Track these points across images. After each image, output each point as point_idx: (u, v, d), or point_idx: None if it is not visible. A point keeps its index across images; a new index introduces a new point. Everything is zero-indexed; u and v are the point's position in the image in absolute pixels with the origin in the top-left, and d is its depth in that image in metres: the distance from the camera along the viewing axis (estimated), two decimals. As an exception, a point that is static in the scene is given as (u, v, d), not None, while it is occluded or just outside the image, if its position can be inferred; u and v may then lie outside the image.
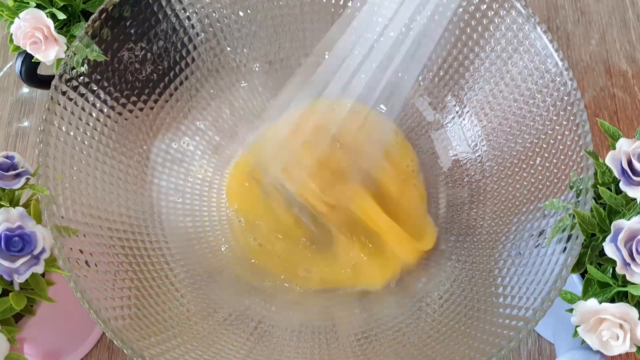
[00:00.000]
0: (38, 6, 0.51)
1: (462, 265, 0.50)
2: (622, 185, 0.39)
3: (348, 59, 0.49)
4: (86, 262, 0.42)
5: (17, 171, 0.41)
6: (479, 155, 0.54)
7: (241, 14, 0.55)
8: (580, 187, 0.42)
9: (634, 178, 0.39)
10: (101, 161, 0.48)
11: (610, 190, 0.41)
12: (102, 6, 0.48)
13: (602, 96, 0.63)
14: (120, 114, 0.51)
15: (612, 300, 0.40)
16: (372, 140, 0.56)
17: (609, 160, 0.39)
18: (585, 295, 0.40)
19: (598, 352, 0.39)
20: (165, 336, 0.43)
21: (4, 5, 0.52)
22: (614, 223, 0.39)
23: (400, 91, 0.54)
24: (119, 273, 0.45)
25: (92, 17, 0.47)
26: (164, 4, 0.51)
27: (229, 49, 0.56)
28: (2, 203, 0.41)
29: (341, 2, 0.56)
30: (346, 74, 0.49)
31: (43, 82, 0.58)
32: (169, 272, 0.49)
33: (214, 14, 0.54)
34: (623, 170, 0.39)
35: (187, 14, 0.53)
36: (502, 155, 0.52)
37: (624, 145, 0.40)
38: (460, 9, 0.52)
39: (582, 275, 0.43)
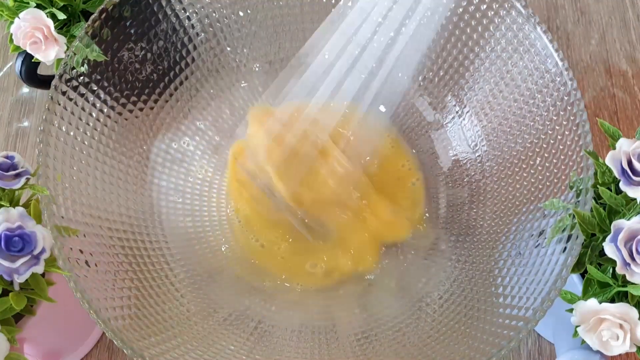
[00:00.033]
0: (38, 6, 0.51)
1: (462, 265, 0.50)
2: (622, 185, 0.39)
3: (340, 60, 0.49)
4: (86, 262, 0.42)
5: (17, 171, 0.41)
6: (479, 155, 0.54)
7: (241, 14, 0.55)
8: (580, 187, 0.42)
9: (634, 178, 0.39)
10: (101, 161, 0.48)
11: (610, 190, 0.41)
12: (102, 6, 0.48)
13: (602, 96, 0.63)
14: (120, 114, 0.51)
15: (612, 300, 0.40)
16: (362, 141, 0.56)
17: (609, 160, 0.39)
18: (585, 295, 0.40)
19: (598, 352, 0.39)
20: (165, 336, 0.43)
21: (4, 5, 0.52)
22: (614, 223, 0.39)
23: (395, 90, 0.53)
24: (119, 273, 0.45)
25: (92, 17, 0.47)
26: (164, 4, 0.51)
27: (229, 49, 0.56)
28: (2, 203, 0.41)
29: (341, 2, 0.55)
30: (337, 75, 0.49)
31: (43, 82, 0.58)
32: (169, 272, 0.49)
33: (214, 14, 0.54)
34: (623, 170, 0.39)
35: (187, 14, 0.53)
36: (502, 155, 0.52)
37: (624, 145, 0.40)
38: (460, 9, 0.52)
39: (582, 275, 0.43)
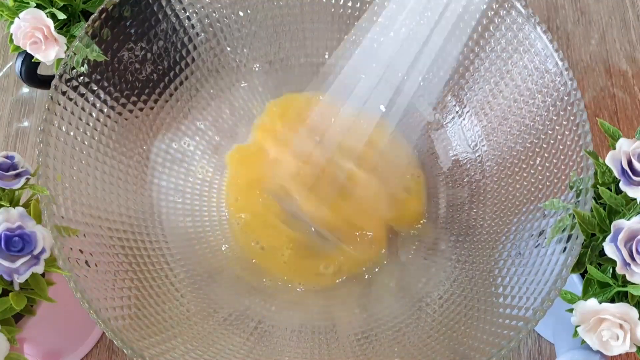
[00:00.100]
0: (38, 6, 0.51)
1: (462, 265, 0.50)
2: (622, 185, 0.39)
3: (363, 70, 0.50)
4: (86, 262, 0.42)
5: (17, 171, 0.41)
6: (479, 155, 0.54)
7: (241, 14, 0.55)
8: (580, 187, 0.42)
9: (634, 178, 0.39)
10: (101, 161, 0.48)
11: (610, 190, 0.41)
12: (102, 6, 0.48)
13: (602, 96, 0.63)
14: (120, 114, 0.51)
15: (612, 300, 0.40)
16: (388, 162, 0.56)
17: (609, 160, 0.39)
18: (585, 295, 0.40)
19: (598, 352, 0.39)
20: (165, 336, 0.43)
21: (4, 5, 0.52)
22: (614, 223, 0.39)
23: (403, 95, 0.54)
24: (119, 273, 0.45)
25: (92, 17, 0.47)
26: (164, 4, 0.51)
27: (229, 49, 0.56)
28: (2, 203, 0.41)
29: (341, 2, 0.56)
30: (368, 84, 0.50)
31: (43, 82, 0.58)
32: (169, 272, 0.49)
33: (214, 14, 0.54)
34: (623, 170, 0.39)
35: (187, 14, 0.53)
36: (502, 155, 0.52)
37: (624, 145, 0.40)
38: (460, 9, 0.52)
39: (582, 275, 0.43)
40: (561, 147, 0.45)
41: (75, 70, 0.47)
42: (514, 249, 0.47)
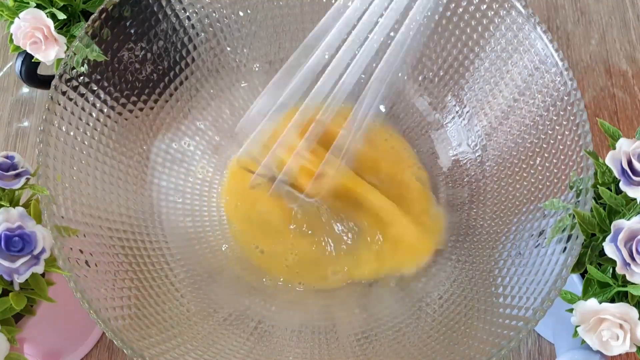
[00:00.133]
0: (38, 6, 0.51)
1: (462, 265, 0.50)
2: (622, 185, 0.39)
3: (335, 59, 0.49)
4: (86, 262, 0.42)
5: (17, 171, 0.41)
6: (479, 155, 0.54)
7: (241, 14, 0.55)
8: (580, 187, 0.42)
9: (634, 178, 0.39)
10: (101, 161, 0.48)
11: (610, 190, 0.41)
12: (102, 6, 0.48)
13: (602, 96, 0.63)
14: (120, 114, 0.51)
15: (612, 300, 0.40)
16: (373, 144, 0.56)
17: (609, 160, 0.39)
18: (585, 295, 0.40)
19: (598, 352, 0.39)
20: (165, 336, 0.43)
21: (4, 5, 0.52)
22: (614, 223, 0.39)
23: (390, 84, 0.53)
24: (119, 273, 0.45)
25: (92, 17, 0.47)
26: (164, 4, 0.51)
27: (229, 49, 0.56)
28: (2, 203, 0.41)
29: (341, 2, 0.55)
30: (334, 74, 0.49)
31: (43, 82, 0.58)
32: (169, 272, 0.49)
33: (214, 14, 0.54)
34: (623, 170, 0.39)
35: (187, 14, 0.53)
36: (502, 155, 0.52)
37: (624, 145, 0.40)
38: (460, 9, 0.52)
39: (582, 275, 0.43)
40: (561, 147, 0.45)
41: (75, 70, 0.47)
42: (514, 249, 0.47)
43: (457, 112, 0.55)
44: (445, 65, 0.55)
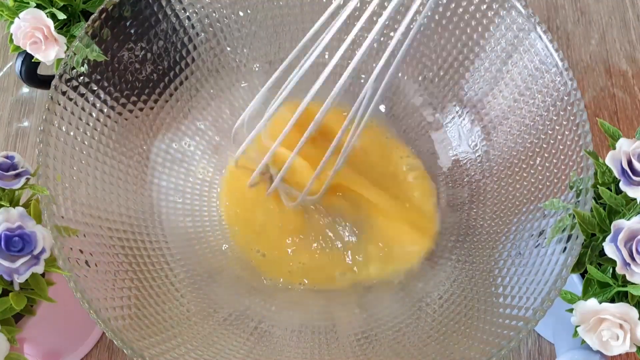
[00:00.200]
0: (38, 6, 0.51)
1: (462, 265, 0.50)
2: (622, 185, 0.39)
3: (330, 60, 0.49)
4: (86, 262, 0.42)
5: (17, 171, 0.41)
6: (479, 155, 0.54)
7: (241, 14, 0.55)
8: (580, 187, 0.42)
9: (634, 178, 0.39)
10: (101, 161, 0.48)
11: (610, 190, 0.41)
12: (102, 6, 0.48)
13: (602, 96, 0.63)
14: (120, 114, 0.51)
15: (612, 300, 0.40)
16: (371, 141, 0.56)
17: (609, 160, 0.39)
18: (585, 295, 0.40)
19: (598, 352, 0.39)
20: (165, 336, 0.43)
21: (4, 5, 0.52)
22: (614, 223, 0.39)
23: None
24: (119, 273, 0.45)
25: (92, 17, 0.47)
26: (164, 4, 0.51)
27: (229, 49, 0.56)
28: (2, 203, 0.41)
29: (341, 2, 0.55)
30: (332, 73, 0.49)
31: (43, 82, 0.58)
32: (169, 272, 0.49)
33: (214, 14, 0.54)
34: (623, 170, 0.39)
35: (187, 14, 0.53)
36: (502, 155, 0.52)
37: (624, 145, 0.40)
38: (460, 9, 0.52)
39: (582, 275, 0.43)
40: (561, 147, 0.45)
41: (75, 70, 0.47)
42: (514, 249, 0.47)
43: (457, 112, 0.55)
44: (446, 65, 0.55)
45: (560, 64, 0.46)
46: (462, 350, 0.43)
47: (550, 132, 0.47)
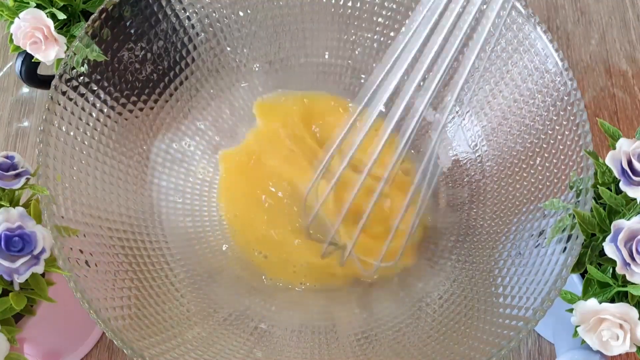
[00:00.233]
0: (38, 6, 0.51)
1: (462, 265, 0.50)
2: (622, 185, 0.39)
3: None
4: (86, 262, 0.42)
5: (17, 171, 0.41)
6: (479, 155, 0.54)
7: (241, 14, 0.55)
8: (580, 187, 0.42)
9: (634, 178, 0.39)
10: (101, 161, 0.48)
11: (610, 190, 0.41)
12: (102, 6, 0.48)
13: (602, 96, 0.63)
14: (120, 114, 0.51)
15: (612, 300, 0.40)
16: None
17: (609, 160, 0.39)
18: (585, 295, 0.40)
19: (598, 352, 0.39)
20: (165, 336, 0.43)
21: (4, 5, 0.52)
22: (614, 223, 0.39)
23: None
24: (119, 273, 0.45)
25: (92, 17, 0.47)
26: (164, 4, 0.51)
27: (229, 49, 0.56)
28: (2, 203, 0.41)
29: (341, 2, 0.56)
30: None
31: (43, 82, 0.58)
32: (169, 272, 0.49)
33: (214, 14, 0.54)
34: (623, 170, 0.39)
35: (187, 14, 0.53)
36: (502, 155, 0.52)
37: (624, 145, 0.40)
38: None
39: (582, 275, 0.43)
40: (561, 147, 0.45)
41: (75, 70, 0.47)
42: (514, 249, 0.47)
43: (457, 112, 0.55)
44: (446, 65, 0.54)
45: (560, 64, 0.46)
46: (462, 350, 0.43)
47: (550, 132, 0.47)
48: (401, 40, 0.48)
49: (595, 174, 0.42)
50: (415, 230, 0.52)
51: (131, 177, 0.51)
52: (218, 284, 0.51)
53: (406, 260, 0.53)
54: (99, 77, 0.48)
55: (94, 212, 0.46)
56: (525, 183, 0.49)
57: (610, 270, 0.40)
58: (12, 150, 0.60)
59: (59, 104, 0.46)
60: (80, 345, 0.53)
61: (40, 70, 0.57)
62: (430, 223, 0.55)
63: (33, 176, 0.42)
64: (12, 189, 0.41)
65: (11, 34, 0.50)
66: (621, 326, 0.37)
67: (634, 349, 0.38)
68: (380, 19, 0.55)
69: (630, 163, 0.39)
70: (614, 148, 0.40)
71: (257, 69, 0.58)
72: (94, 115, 0.48)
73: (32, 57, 0.51)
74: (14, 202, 0.42)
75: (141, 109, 0.53)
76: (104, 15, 0.48)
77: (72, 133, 0.46)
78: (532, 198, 0.47)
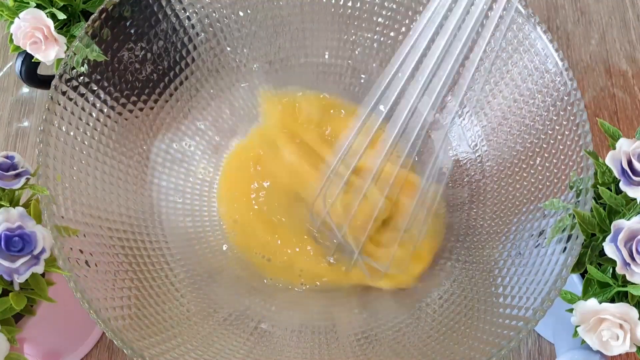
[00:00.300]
0: (38, 6, 0.51)
1: (462, 265, 0.50)
2: (622, 185, 0.39)
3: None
4: (86, 262, 0.42)
5: (17, 171, 0.41)
6: (479, 155, 0.54)
7: (241, 14, 0.55)
8: (580, 187, 0.42)
9: (634, 178, 0.39)
10: (101, 161, 0.48)
11: (610, 190, 0.41)
12: (102, 6, 0.48)
13: (602, 96, 0.63)
14: (120, 114, 0.51)
15: (612, 300, 0.40)
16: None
17: (609, 160, 0.39)
18: (585, 295, 0.40)
19: (598, 352, 0.39)
20: (165, 336, 0.43)
21: (4, 5, 0.52)
22: (614, 223, 0.39)
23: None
24: (119, 273, 0.45)
25: (92, 17, 0.47)
26: (164, 4, 0.51)
27: (229, 49, 0.56)
28: (2, 203, 0.41)
29: (341, 2, 0.56)
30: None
31: (43, 82, 0.58)
32: (169, 272, 0.49)
33: (214, 14, 0.54)
34: (623, 170, 0.39)
35: (187, 14, 0.53)
36: (502, 155, 0.52)
37: (624, 145, 0.40)
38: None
39: (582, 275, 0.43)
40: (561, 147, 0.45)
41: (75, 70, 0.47)
42: (514, 249, 0.47)
43: (457, 112, 0.55)
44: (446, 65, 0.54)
45: (560, 64, 0.46)
46: (462, 350, 0.43)
47: (550, 132, 0.47)
48: (407, 44, 0.48)
49: (595, 174, 0.42)
50: (425, 236, 0.52)
51: (131, 177, 0.51)
52: (218, 284, 0.51)
53: (418, 266, 0.53)
54: (99, 77, 0.48)
55: (94, 212, 0.46)
56: (525, 183, 0.49)
57: (610, 270, 0.40)
58: (12, 150, 0.60)
59: (59, 104, 0.46)
60: (80, 345, 0.53)
61: (40, 70, 0.57)
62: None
63: (33, 176, 0.42)
64: (12, 189, 0.41)
65: (11, 34, 0.50)
66: (621, 326, 0.37)
67: (634, 349, 0.38)
68: (380, 19, 0.55)
69: (630, 163, 0.39)
70: (614, 148, 0.40)
71: (257, 69, 0.58)
72: (94, 115, 0.48)
73: (32, 57, 0.51)
74: (14, 202, 0.42)
75: (141, 109, 0.53)
76: (104, 15, 0.48)
77: (72, 133, 0.46)
78: (532, 198, 0.47)
